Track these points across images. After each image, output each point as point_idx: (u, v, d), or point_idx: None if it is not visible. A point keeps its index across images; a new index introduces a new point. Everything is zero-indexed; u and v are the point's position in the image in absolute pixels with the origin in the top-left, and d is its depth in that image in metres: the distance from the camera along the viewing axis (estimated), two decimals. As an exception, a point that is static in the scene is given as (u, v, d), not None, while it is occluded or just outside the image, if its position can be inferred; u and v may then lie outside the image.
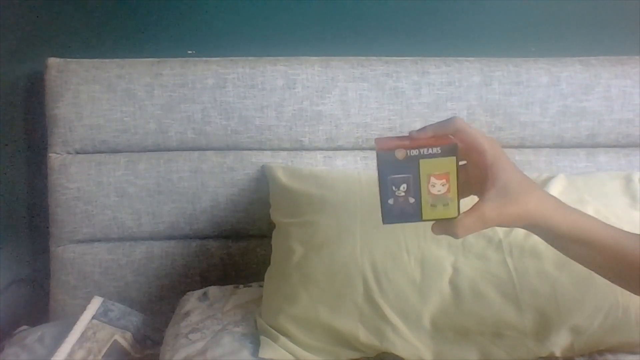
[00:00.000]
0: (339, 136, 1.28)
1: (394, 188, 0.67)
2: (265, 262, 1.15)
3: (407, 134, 0.69)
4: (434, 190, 0.66)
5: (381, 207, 0.68)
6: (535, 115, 1.30)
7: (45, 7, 1.29)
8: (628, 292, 0.98)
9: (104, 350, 1.14)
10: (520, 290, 0.99)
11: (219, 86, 1.25)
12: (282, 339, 1.01)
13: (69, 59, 1.27)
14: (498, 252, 1.02)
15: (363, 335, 0.99)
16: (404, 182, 0.66)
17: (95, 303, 1.19)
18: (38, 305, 1.36)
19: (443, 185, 0.66)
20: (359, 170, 1.27)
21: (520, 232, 1.03)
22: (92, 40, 1.31)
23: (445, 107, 1.29)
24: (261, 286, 1.14)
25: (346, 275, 1.01)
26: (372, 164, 1.29)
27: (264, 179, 1.26)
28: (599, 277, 0.99)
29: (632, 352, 1.03)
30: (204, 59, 1.29)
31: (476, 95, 1.29)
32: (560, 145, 1.33)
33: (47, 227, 1.30)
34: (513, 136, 1.31)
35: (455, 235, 0.68)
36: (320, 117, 1.27)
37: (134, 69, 1.26)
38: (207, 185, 1.27)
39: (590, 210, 1.07)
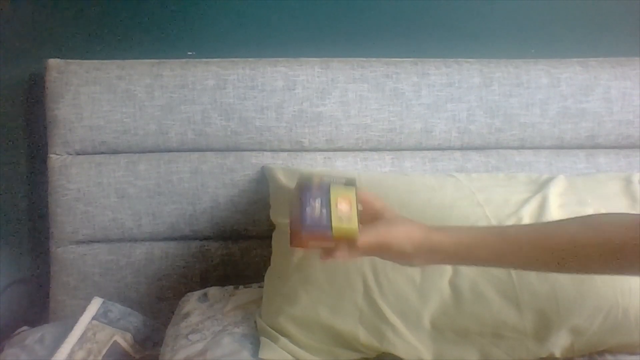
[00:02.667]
0: (339, 137, 1.29)
1: (311, 201, 0.81)
2: (265, 263, 1.15)
3: None
4: (341, 208, 0.82)
5: (300, 217, 0.81)
6: (535, 117, 1.30)
7: (46, 8, 1.29)
8: (628, 293, 0.99)
9: (104, 351, 1.13)
10: (520, 290, 0.99)
11: (219, 87, 1.25)
12: (282, 339, 1.01)
13: (69, 60, 1.27)
14: (498, 253, 1.01)
15: (363, 335, 0.99)
16: (318, 199, 0.82)
17: (95, 304, 1.19)
18: (38, 305, 1.36)
19: (346, 207, 0.82)
20: (359, 171, 1.27)
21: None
22: (93, 41, 1.32)
23: (445, 109, 1.29)
24: (261, 287, 1.14)
25: (346, 275, 1.01)
26: (373, 164, 1.30)
27: (264, 180, 1.26)
28: (599, 278, 1.00)
29: (632, 353, 1.03)
30: (204, 60, 1.29)
31: (476, 96, 1.29)
32: (560, 146, 1.33)
33: (47, 228, 1.30)
34: (513, 137, 1.31)
35: (355, 245, 0.81)
36: (320, 118, 1.27)
37: (134, 70, 1.26)
38: (207, 186, 1.27)
39: (590, 212, 1.08)
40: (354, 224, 0.81)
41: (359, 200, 0.84)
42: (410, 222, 0.84)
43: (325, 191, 0.82)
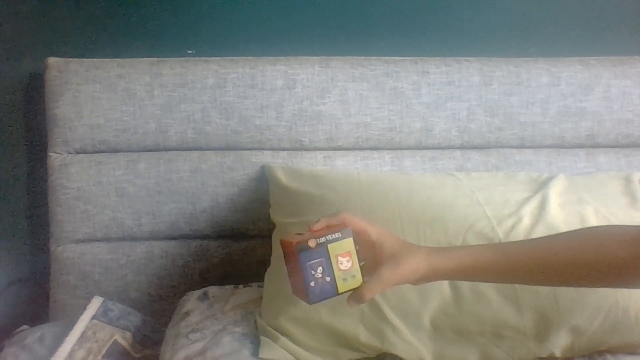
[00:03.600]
0: (339, 136, 1.29)
1: (312, 272, 0.80)
2: (265, 262, 1.15)
3: (307, 227, 0.83)
4: (342, 267, 0.81)
5: (305, 291, 0.80)
6: (535, 116, 1.30)
7: (45, 7, 1.29)
8: (628, 293, 0.99)
9: (103, 350, 1.13)
10: (520, 290, 0.99)
11: (218, 86, 1.25)
12: (283, 339, 1.01)
13: (69, 59, 1.27)
14: (498, 252, 1.01)
15: (363, 335, 0.99)
16: (319, 266, 0.80)
17: (95, 303, 1.19)
18: (38, 305, 1.36)
19: (348, 262, 0.81)
20: (359, 170, 1.27)
21: (520, 232, 1.03)
22: (92, 40, 1.31)
23: (445, 107, 1.29)
24: (261, 286, 1.14)
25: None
26: (372, 163, 1.30)
27: (264, 179, 1.26)
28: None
29: (632, 353, 1.03)
30: (204, 58, 1.28)
31: (476, 95, 1.29)
32: (560, 145, 1.33)
33: (47, 227, 1.30)
34: (513, 136, 1.31)
35: (362, 299, 0.80)
36: (320, 117, 1.27)
37: (134, 69, 1.25)
38: (207, 185, 1.27)
39: (590, 211, 1.08)
40: (358, 279, 0.81)
41: (353, 231, 0.82)
42: (409, 252, 0.82)
43: (324, 252, 0.80)
